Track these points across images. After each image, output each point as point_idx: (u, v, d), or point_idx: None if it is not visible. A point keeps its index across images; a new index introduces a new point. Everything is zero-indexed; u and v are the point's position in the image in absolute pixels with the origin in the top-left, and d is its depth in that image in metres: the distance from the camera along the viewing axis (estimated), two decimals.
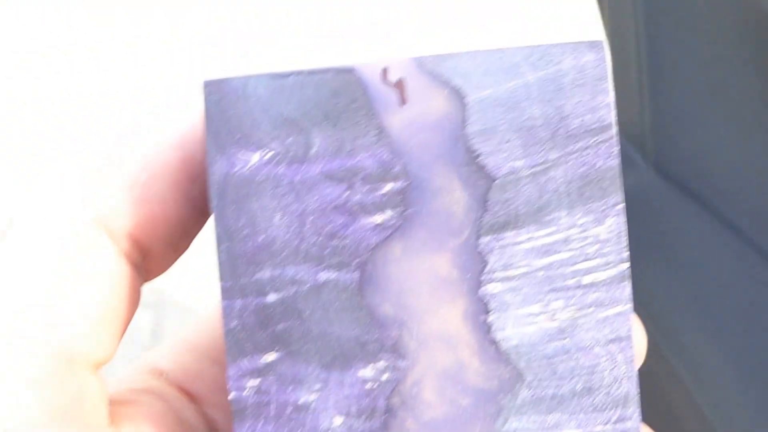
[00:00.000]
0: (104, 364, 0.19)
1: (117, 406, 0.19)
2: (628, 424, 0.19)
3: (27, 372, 0.17)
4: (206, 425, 0.21)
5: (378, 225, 0.18)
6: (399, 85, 0.18)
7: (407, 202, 0.18)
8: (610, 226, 0.18)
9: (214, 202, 0.18)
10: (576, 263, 0.18)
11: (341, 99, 0.18)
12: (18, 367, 0.17)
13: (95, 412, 0.18)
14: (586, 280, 0.18)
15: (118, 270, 0.19)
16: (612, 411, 0.19)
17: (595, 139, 0.18)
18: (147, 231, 0.19)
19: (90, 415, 0.18)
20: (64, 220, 0.18)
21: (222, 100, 0.18)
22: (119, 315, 0.19)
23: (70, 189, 0.19)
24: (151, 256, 0.20)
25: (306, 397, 0.18)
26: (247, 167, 0.18)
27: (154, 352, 0.22)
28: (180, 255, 0.20)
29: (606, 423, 0.19)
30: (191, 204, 0.19)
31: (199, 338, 0.22)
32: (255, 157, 0.18)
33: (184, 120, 0.20)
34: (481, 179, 0.18)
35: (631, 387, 0.19)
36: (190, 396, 0.21)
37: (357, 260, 0.18)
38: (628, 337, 0.19)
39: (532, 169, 0.18)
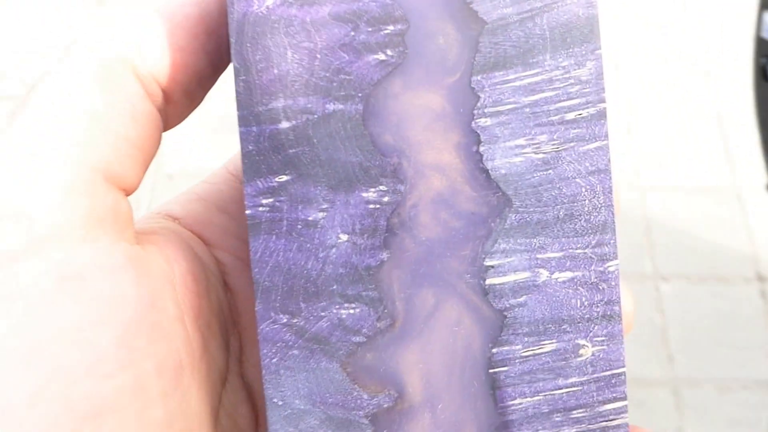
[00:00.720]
0: (131, 192, 0.21)
1: (139, 234, 0.21)
2: (606, 249, 0.20)
3: (66, 179, 0.19)
4: (215, 264, 0.23)
5: (380, 62, 0.20)
6: None
7: (406, 42, 0.20)
8: (590, 69, 0.20)
9: (233, 39, 0.20)
10: (559, 101, 0.20)
11: None
12: (56, 175, 0.19)
13: (126, 228, 0.20)
14: (569, 116, 0.20)
15: (143, 107, 0.20)
16: (591, 236, 0.20)
17: None
18: (169, 77, 0.21)
19: (121, 229, 0.20)
20: (99, 57, 0.21)
21: None
22: (144, 148, 0.21)
23: (106, 30, 0.21)
24: (171, 102, 0.21)
25: (315, 215, 0.20)
26: (263, 7, 0.20)
27: (167, 203, 0.24)
28: (195, 107, 0.22)
29: (586, 247, 0.20)
30: (207, 56, 0.22)
31: (207, 190, 0.24)
32: (270, 0, 0.20)
33: None
34: (473, 24, 0.20)
35: (608, 215, 0.20)
36: (201, 239, 0.23)
37: (361, 93, 0.20)
38: (607, 170, 0.20)
39: (520, 16, 0.20)
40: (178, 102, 0.22)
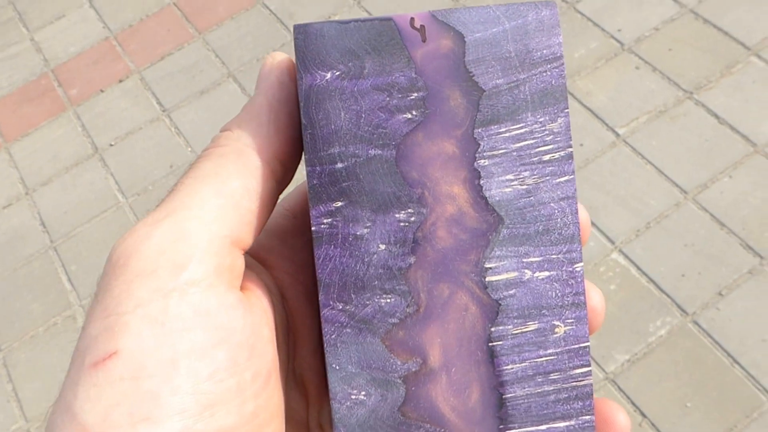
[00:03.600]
0: (247, 249, 0.28)
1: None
2: (574, 255, 0.28)
3: (204, 244, 0.25)
4: (274, 282, 0.30)
5: (408, 119, 0.28)
6: (421, 30, 0.28)
7: (427, 105, 0.28)
8: (560, 123, 0.28)
9: (302, 103, 0.27)
10: (538, 147, 0.28)
11: (384, 38, 0.28)
12: (199, 241, 0.25)
13: (238, 277, 0.27)
14: (545, 158, 0.28)
15: (265, 184, 0.27)
16: (563, 245, 0.28)
17: (550, 65, 0.28)
18: (281, 150, 0.28)
19: (235, 278, 0.27)
20: (237, 148, 0.27)
21: (306, 38, 0.28)
22: (262, 216, 0.28)
23: (240, 132, 0.28)
24: (287, 170, 0.29)
25: (361, 231, 0.27)
26: (323, 81, 0.27)
27: None
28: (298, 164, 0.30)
29: (559, 253, 0.28)
30: (298, 125, 0.28)
31: (268, 223, 0.31)
32: (328, 75, 0.28)
33: (275, 66, 0.29)
34: (475, 91, 0.28)
35: (575, 230, 0.28)
36: (263, 262, 0.30)
37: (394, 142, 0.28)
38: (574, 197, 0.28)
39: (509, 85, 0.28)
40: (291, 167, 0.29)
